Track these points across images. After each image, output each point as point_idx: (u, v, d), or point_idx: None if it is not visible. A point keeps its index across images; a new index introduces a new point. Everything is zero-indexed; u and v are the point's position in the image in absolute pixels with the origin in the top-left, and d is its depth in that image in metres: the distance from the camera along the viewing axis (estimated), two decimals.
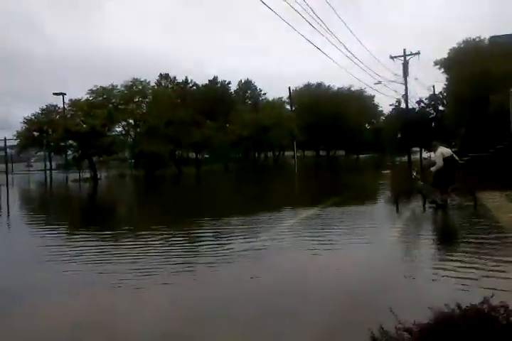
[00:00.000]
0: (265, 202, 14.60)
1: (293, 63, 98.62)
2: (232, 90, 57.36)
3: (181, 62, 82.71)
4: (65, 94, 42.73)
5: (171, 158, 38.61)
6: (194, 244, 7.92)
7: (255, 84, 58.76)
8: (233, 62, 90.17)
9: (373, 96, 62.52)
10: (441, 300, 2.37)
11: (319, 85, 61.05)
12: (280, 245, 7.26)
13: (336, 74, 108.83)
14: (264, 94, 58.83)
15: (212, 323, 4.06)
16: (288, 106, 56.47)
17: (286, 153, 55.63)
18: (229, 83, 56.37)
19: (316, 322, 3.97)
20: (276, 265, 6.18)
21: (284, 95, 58.90)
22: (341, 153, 67.33)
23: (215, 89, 53.72)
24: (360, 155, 61.89)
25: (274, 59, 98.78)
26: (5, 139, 39.50)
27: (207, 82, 54.24)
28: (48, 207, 17.20)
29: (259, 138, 43.28)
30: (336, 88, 60.68)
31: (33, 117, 42.80)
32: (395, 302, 4.02)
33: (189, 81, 52.78)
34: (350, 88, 60.77)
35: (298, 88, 60.34)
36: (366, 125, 66.08)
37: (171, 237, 8.48)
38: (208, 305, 4.60)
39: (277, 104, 51.74)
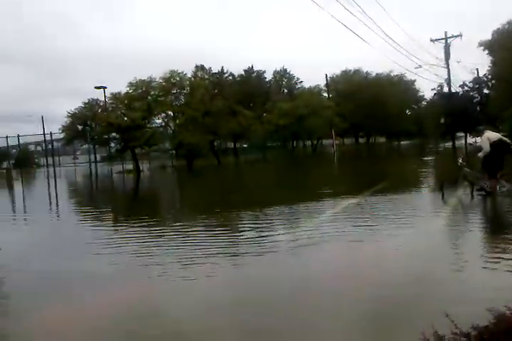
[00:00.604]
0: (305, 191, 14.48)
1: (330, 50, 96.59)
2: (267, 79, 56.98)
3: (216, 52, 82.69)
4: (106, 87, 43.61)
5: (211, 149, 38.94)
6: (237, 234, 7.96)
7: (291, 72, 58.11)
8: (268, 50, 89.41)
9: (414, 81, 60.55)
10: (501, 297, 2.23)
11: (357, 71, 59.63)
12: (324, 236, 7.16)
13: (375, 59, 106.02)
14: (301, 82, 58.11)
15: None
16: (325, 94, 55.60)
17: (325, 141, 54.91)
18: (264, 72, 56.02)
19: (361, 321, 3.89)
20: (320, 257, 6.11)
21: (321, 83, 57.92)
22: (382, 139, 65.84)
23: (251, 79, 53.50)
24: (402, 142, 60.32)
25: (309, 46, 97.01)
26: (51, 133, 41.18)
27: (242, 72, 54.07)
28: (102, 199, 17.75)
29: (296, 127, 42.94)
30: (374, 74, 59.22)
31: (76, 111, 44.26)
32: (450, 303, 3.88)
33: (225, 71, 52.78)
34: (389, 73, 59.13)
35: (335, 75, 59.23)
36: (407, 111, 64.18)
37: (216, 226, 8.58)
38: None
39: (314, 91, 51.05)
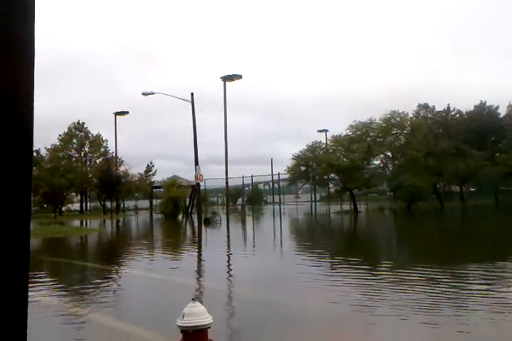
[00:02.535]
0: None
1: None
2: (501, 115, 51.36)
3: (442, 89, 78.75)
4: (328, 130, 46.07)
5: (433, 191, 36.62)
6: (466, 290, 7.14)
7: None
8: (501, 83, 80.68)
9: None
10: None
11: None
12: None
13: None
14: None
15: None
16: None
17: None
18: (497, 107, 50.69)
19: None
20: None
21: None
22: None
23: (482, 116, 49.00)
24: None
25: None
26: (278, 174, 45.28)
27: (472, 109, 50.04)
28: (324, 238, 18.49)
29: None
30: None
31: (300, 153, 47.83)
32: None
33: (451, 109, 49.77)
34: None
35: None
36: None
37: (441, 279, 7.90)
38: None
39: None
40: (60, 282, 9.16)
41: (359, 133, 42.87)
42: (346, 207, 35.20)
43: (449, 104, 49.79)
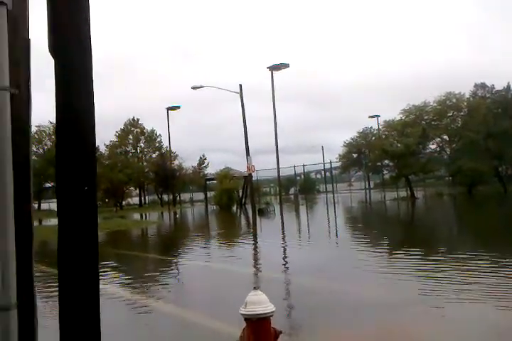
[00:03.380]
0: None
1: None
2: None
3: (500, 67, 74.33)
4: (379, 116, 44.87)
5: (495, 175, 34.87)
6: None
7: None
8: None
9: None
10: None
11: None
12: None
13: None
14: None
15: None
16: None
17: None
18: None
19: None
20: None
21: None
22: None
23: None
24: None
25: None
26: (330, 162, 44.79)
27: None
28: (385, 226, 18.15)
29: None
30: None
31: (351, 140, 46.99)
32: None
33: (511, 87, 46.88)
34: None
35: None
36: None
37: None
38: None
39: None
40: (125, 272, 9.57)
41: (413, 116, 41.39)
42: (402, 193, 34.27)
43: (508, 82, 46.95)
